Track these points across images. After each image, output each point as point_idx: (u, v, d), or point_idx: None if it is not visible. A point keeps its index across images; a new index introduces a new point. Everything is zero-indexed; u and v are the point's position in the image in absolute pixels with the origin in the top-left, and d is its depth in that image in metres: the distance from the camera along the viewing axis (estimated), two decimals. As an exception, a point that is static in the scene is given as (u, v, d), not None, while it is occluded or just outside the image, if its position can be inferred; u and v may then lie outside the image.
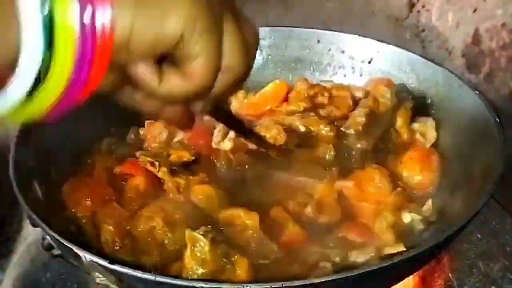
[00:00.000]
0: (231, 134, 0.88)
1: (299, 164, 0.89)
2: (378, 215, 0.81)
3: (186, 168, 0.88)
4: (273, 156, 0.88)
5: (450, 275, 0.94)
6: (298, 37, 1.15)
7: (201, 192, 0.82)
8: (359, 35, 1.11)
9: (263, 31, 1.17)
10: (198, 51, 0.53)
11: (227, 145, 0.88)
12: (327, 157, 0.89)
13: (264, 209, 0.80)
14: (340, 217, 0.82)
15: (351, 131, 0.90)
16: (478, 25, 1.02)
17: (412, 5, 1.20)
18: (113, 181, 0.89)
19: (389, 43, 1.07)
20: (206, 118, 0.77)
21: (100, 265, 0.65)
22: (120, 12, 0.48)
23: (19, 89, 0.46)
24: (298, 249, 0.77)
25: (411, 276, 0.87)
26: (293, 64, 1.16)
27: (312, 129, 0.92)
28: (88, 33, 0.46)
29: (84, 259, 0.66)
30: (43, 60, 0.45)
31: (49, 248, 0.77)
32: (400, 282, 0.78)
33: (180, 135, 0.94)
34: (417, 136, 0.95)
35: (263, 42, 1.17)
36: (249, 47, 0.63)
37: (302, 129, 0.92)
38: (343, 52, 1.12)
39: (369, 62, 1.10)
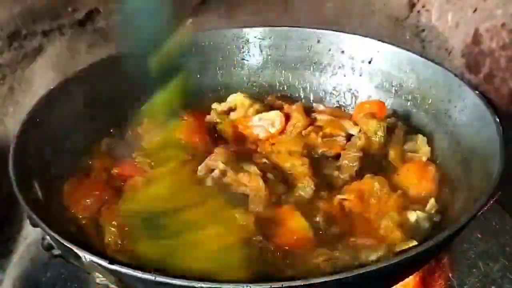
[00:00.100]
0: (216, 172, 0.87)
1: None
2: (383, 216, 0.81)
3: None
4: None
5: (450, 275, 0.94)
6: (298, 37, 1.15)
7: None
8: (359, 35, 1.11)
9: (263, 31, 1.17)
10: None
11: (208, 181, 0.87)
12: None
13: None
14: (348, 227, 0.83)
15: (346, 176, 0.91)
16: (478, 25, 1.02)
17: (412, 5, 1.21)
18: (112, 181, 0.90)
19: (389, 43, 1.07)
20: None
21: (100, 265, 0.65)
22: None
23: None
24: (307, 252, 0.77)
25: (411, 276, 0.87)
26: (293, 64, 1.17)
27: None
28: None
29: (84, 259, 0.66)
30: None
31: (49, 248, 0.77)
32: (400, 282, 0.78)
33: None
34: (410, 155, 0.95)
35: (263, 42, 1.17)
36: None
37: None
38: (343, 52, 1.12)
39: (369, 62, 1.10)
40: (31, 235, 1.08)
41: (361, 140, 0.94)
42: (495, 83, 1.01)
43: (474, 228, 0.99)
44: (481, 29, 1.01)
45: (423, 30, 1.18)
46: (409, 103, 1.04)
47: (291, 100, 1.10)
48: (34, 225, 0.73)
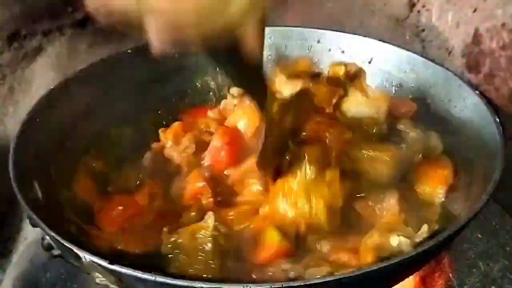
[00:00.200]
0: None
1: None
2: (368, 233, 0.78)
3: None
4: None
5: (450, 275, 0.94)
6: (298, 37, 1.15)
7: None
8: (359, 35, 1.11)
9: (263, 31, 1.17)
10: None
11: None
12: None
13: None
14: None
15: None
16: (478, 25, 1.01)
17: (412, 5, 1.20)
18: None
19: (389, 43, 1.08)
20: None
21: (100, 265, 0.65)
22: None
23: None
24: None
25: (411, 276, 0.87)
26: (293, 64, 1.17)
27: None
28: None
29: (84, 259, 0.66)
30: None
31: (49, 248, 0.76)
32: (400, 282, 0.78)
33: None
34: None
35: (263, 42, 1.17)
36: None
37: None
38: (343, 52, 1.12)
39: (369, 62, 1.10)
40: (31, 235, 1.08)
41: None
42: (495, 83, 1.00)
43: (474, 228, 0.99)
44: (481, 29, 1.01)
45: (423, 30, 1.18)
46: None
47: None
48: (34, 225, 0.73)
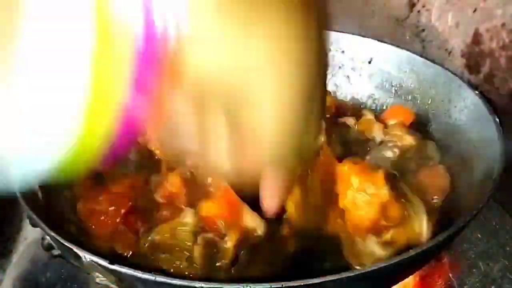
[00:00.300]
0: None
1: None
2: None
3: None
4: None
5: (450, 275, 0.94)
6: (298, 37, 1.15)
7: None
8: (359, 35, 1.11)
9: (263, 31, 1.17)
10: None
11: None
12: None
13: None
14: None
15: None
16: (478, 25, 1.01)
17: (412, 5, 1.20)
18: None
19: (389, 43, 1.07)
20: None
21: (100, 265, 0.65)
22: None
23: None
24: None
25: (411, 276, 0.87)
26: (293, 64, 1.16)
27: None
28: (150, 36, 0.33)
29: (84, 259, 0.66)
30: None
31: (49, 248, 0.77)
32: (400, 282, 0.78)
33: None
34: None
35: (263, 42, 1.17)
36: None
37: None
38: (343, 52, 1.12)
39: (369, 62, 1.10)
40: (31, 235, 1.08)
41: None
42: (495, 83, 1.00)
43: (474, 228, 0.99)
44: (481, 29, 1.01)
45: (423, 30, 1.18)
46: (409, 103, 1.05)
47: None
48: (34, 225, 0.73)
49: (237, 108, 0.38)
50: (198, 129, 0.40)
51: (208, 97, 0.38)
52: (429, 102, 1.01)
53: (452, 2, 1.09)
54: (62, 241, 0.68)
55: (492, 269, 0.94)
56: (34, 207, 0.74)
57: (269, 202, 0.48)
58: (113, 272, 0.65)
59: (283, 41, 0.39)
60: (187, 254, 0.72)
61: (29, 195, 0.77)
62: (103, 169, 0.43)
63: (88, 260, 0.66)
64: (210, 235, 0.73)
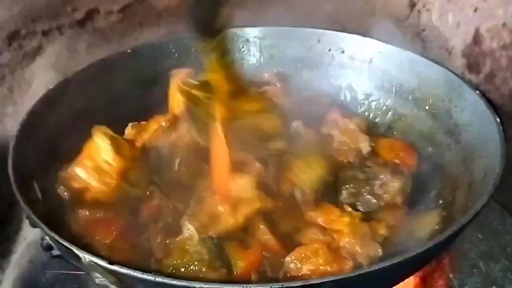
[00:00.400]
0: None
1: None
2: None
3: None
4: None
5: (450, 275, 0.94)
6: (298, 37, 1.15)
7: None
8: (359, 35, 1.11)
9: (263, 31, 1.17)
10: None
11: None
12: None
13: None
14: None
15: None
16: (479, 25, 1.01)
17: (412, 5, 1.20)
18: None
19: (389, 43, 1.07)
20: None
21: (99, 265, 0.65)
22: None
23: None
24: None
25: (411, 276, 0.87)
26: (293, 64, 1.16)
27: None
28: None
29: (83, 260, 0.66)
30: None
31: (48, 248, 0.76)
32: (401, 282, 0.77)
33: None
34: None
35: (263, 42, 1.17)
36: None
37: None
38: (343, 52, 1.12)
39: (369, 62, 1.10)
40: (31, 235, 1.08)
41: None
42: (495, 83, 1.00)
43: (475, 228, 0.99)
44: (482, 29, 1.01)
45: (424, 30, 1.18)
46: (409, 103, 1.04)
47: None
48: (34, 225, 0.73)
49: None
50: None
51: None
52: (430, 102, 1.01)
53: (453, 2, 1.09)
54: (61, 241, 0.68)
55: (493, 269, 0.94)
56: (33, 207, 0.74)
57: None
58: (113, 272, 0.65)
59: None
60: (203, 258, 0.74)
61: (29, 195, 0.77)
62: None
63: (88, 260, 0.66)
64: None
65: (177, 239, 0.77)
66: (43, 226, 0.70)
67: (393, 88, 1.07)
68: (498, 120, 0.85)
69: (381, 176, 0.89)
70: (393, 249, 0.78)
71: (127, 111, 1.03)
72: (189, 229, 0.76)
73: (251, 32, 1.16)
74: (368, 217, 0.85)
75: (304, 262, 0.75)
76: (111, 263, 0.64)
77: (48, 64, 1.21)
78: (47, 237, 0.74)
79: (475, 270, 0.94)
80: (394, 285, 0.77)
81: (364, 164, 0.93)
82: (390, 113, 1.08)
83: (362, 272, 0.63)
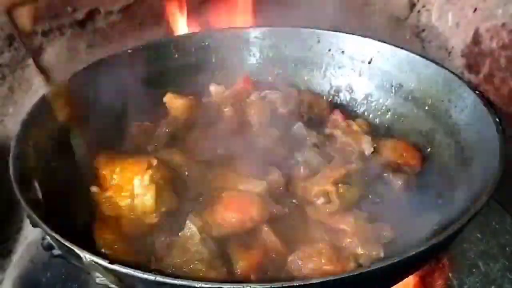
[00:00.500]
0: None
1: None
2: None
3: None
4: None
5: (450, 274, 0.94)
6: (298, 37, 1.15)
7: None
8: (359, 35, 1.11)
9: (263, 31, 1.17)
10: None
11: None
12: None
13: None
14: None
15: None
16: (478, 25, 1.01)
17: (412, 5, 1.20)
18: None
19: (389, 43, 1.07)
20: None
21: (100, 265, 0.65)
22: None
23: None
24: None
25: (411, 276, 0.87)
26: (293, 64, 1.17)
27: None
28: None
29: (84, 259, 0.66)
30: None
31: (49, 248, 0.76)
32: (400, 282, 0.78)
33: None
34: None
35: (263, 42, 1.17)
36: None
37: None
38: (343, 52, 1.12)
39: (369, 62, 1.10)
40: (31, 235, 1.08)
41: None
42: (495, 83, 1.00)
43: (474, 228, 0.99)
44: (481, 29, 1.01)
45: (423, 30, 1.18)
46: (409, 103, 1.04)
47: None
48: (34, 225, 0.73)
49: None
50: None
51: None
52: (429, 102, 1.01)
53: (452, 2, 1.09)
54: (62, 241, 0.68)
55: (492, 269, 0.94)
56: (34, 207, 0.74)
57: None
58: (113, 272, 0.65)
59: None
60: (203, 258, 0.75)
61: (29, 195, 0.77)
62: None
63: (89, 260, 0.66)
64: None
65: (178, 238, 0.77)
66: (44, 225, 0.70)
67: (393, 88, 1.07)
68: (498, 120, 0.85)
69: (384, 175, 0.90)
70: (396, 250, 0.78)
71: (129, 112, 1.03)
72: (190, 228, 0.76)
73: (252, 33, 1.16)
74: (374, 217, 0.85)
75: (307, 261, 0.75)
76: (111, 262, 0.64)
77: (48, 64, 1.21)
78: (48, 237, 0.74)
79: (474, 270, 0.94)
80: (394, 284, 0.77)
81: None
82: (389, 113, 1.08)
83: (361, 271, 0.63)
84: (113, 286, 0.69)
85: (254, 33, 1.17)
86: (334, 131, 1.00)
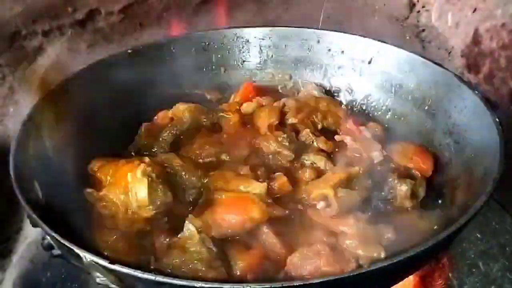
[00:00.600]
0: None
1: None
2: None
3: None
4: None
5: (450, 274, 0.94)
6: (298, 37, 1.15)
7: None
8: (359, 35, 1.11)
9: (263, 31, 1.17)
10: None
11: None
12: None
13: None
14: None
15: None
16: (478, 25, 1.02)
17: (412, 5, 1.21)
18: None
19: (389, 43, 1.07)
20: None
21: (100, 265, 0.65)
22: None
23: None
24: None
25: (411, 276, 0.87)
26: (293, 64, 1.17)
27: None
28: None
29: (84, 259, 0.66)
30: None
31: (49, 248, 0.76)
32: (400, 282, 0.78)
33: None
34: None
35: (263, 42, 1.17)
36: None
37: None
38: (343, 52, 1.12)
39: (369, 62, 1.10)
40: (31, 235, 1.08)
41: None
42: (495, 83, 1.01)
43: (474, 228, 0.99)
44: (481, 29, 1.01)
45: (423, 30, 1.19)
46: (409, 103, 1.04)
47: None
48: (34, 225, 0.73)
49: None
50: None
51: None
52: (429, 102, 1.01)
53: (452, 2, 1.09)
54: (62, 241, 0.68)
55: (492, 269, 0.94)
56: (34, 207, 0.74)
57: None
58: (113, 272, 0.65)
59: None
60: (202, 258, 0.75)
61: (29, 195, 0.77)
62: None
63: (89, 260, 0.66)
64: None
65: (177, 239, 0.77)
66: (44, 225, 0.70)
67: (393, 88, 1.07)
68: (498, 120, 0.85)
69: (389, 180, 0.89)
70: (397, 250, 0.78)
71: (128, 112, 1.03)
72: (189, 229, 0.76)
73: (252, 33, 1.16)
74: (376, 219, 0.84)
75: (305, 262, 0.75)
76: (111, 262, 0.64)
77: (48, 64, 1.21)
78: (48, 237, 0.74)
79: (474, 270, 0.94)
80: (394, 284, 0.77)
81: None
82: (389, 113, 1.08)
83: (361, 272, 0.64)
84: (113, 286, 0.69)
85: (254, 33, 1.17)
86: (345, 138, 0.99)
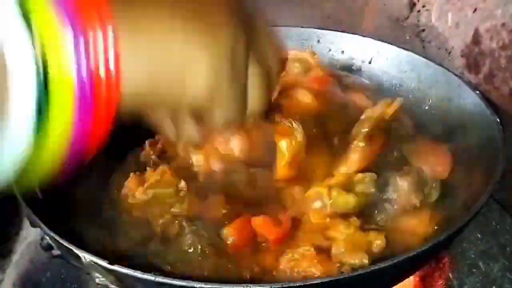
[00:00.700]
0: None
1: None
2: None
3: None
4: None
5: (450, 275, 0.94)
6: (298, 37, 1.15)
7: None
8: (359, 35, 1.11)
9: (263, 31, 1.17)
10: (220, 104, 0.52)
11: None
12: None
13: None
14: None
15: None
16: (478, 25, 1.01)
17: (412, 5, 1.20)
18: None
19: (389, 43, 1.07)
20: None
21: (100, 265, 0.65)
22: (130, 63, 0.44)
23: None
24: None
25: (411, 276, 0.87)
26: (293, 64, 1.16)
27: None
28: (86, 83, 0.42)
29: (84, 260, 0.66)
30: (38, 111, 0.42)
31: (48, 248, 0.76)
32: (400, 282, 0.78)
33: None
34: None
35: (263, 42, 1.17)
36: (271, 80, 0.61)
37: None
38: (343, 52, 1.12)
39: (369, 62, 1.10)
40: (31, 235, 1.08)
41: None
42: (495, 83, 1.00)
43: (474, 228, 0.99)
44: (481, 29, 1.01)
45: (423, 30, 1.18)
46: (409, 103, 1.04)
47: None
48: (33, 225, 0.73)
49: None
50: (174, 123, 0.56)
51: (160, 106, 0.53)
52: (429, 102, 1.01)
53: (452, 2, 1.09)
54: (61, 241, 0.68)
55: (492, 269, 0.94)
56: (34, 207, 0.74)
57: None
58: (113, 272, 0.65)
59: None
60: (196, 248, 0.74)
61: (29, 195, 0.77)
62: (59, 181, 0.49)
63: (88, 260, 0.66)
64: None
65: (173, 237, 0.76)
66: (43, 225, 0.70)
67: (393, 88, 1.07)
68: (498, 120, 0.85)
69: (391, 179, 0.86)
70: (389, 255, 0.76)
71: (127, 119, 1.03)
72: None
73: (251, 32, 1.16)
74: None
75: (291, 264, 0.73)
76: (111, 263, 0.64)
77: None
78: (47, 237, 0.74)
79: (474, 270, 0.94)
80: (394, 285, 0.77)
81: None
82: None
83: (361, 272, 0.63)
84: (113, 286, 0.69)
85: (254, 33, 1.16)
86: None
